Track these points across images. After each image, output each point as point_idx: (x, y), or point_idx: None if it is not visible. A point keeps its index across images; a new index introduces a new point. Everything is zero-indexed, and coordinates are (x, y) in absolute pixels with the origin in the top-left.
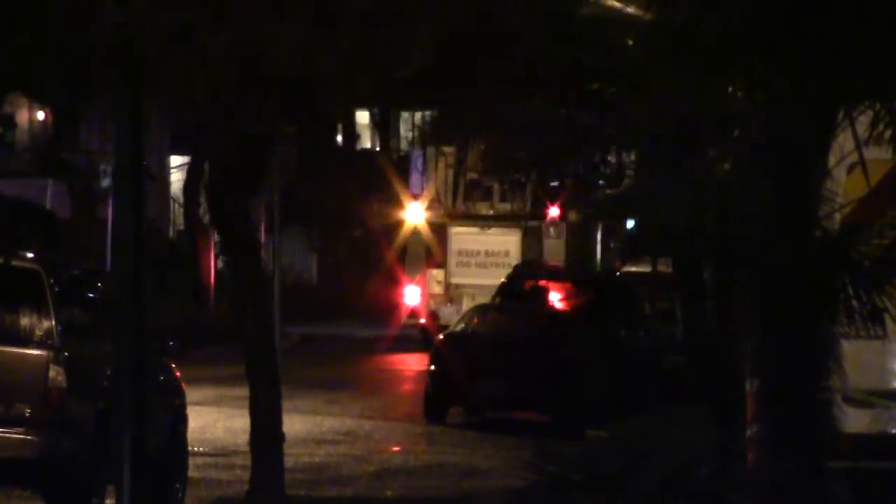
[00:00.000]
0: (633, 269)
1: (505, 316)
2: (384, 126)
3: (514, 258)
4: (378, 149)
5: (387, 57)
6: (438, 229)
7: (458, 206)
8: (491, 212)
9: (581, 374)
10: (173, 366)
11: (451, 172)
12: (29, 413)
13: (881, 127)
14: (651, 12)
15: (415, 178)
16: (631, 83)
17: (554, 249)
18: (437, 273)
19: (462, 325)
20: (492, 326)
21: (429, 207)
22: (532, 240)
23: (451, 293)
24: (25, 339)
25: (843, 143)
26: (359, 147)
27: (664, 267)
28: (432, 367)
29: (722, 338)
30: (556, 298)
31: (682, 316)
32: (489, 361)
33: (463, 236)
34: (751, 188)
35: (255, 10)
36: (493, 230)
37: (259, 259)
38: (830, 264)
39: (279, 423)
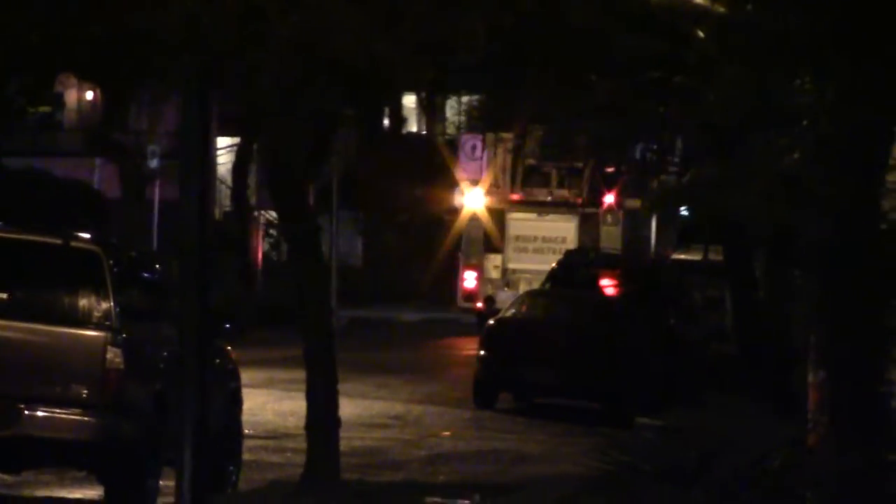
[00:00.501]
0: (684, 256)
1: (555, 302)
2: (432, 110)
3: (571, 244)
4: (425, 132)
5: (448, 43)
6: (497, 215)
7: (516, 192)
8: (549, 198)
9: (631, 362)
10: (229, 349)
11: (509, 158)
12: (86, 395)
13: None
14: (722, 5)
15: (463, 162)
16: (700, 73)
17: (610, 236)
18: (495, 258)
19: (513, 311)
20: (542, 312)
21: (488, 193)
22: (588, 226)
23: (508, 278)
24: (84, 321)
25: None
26: (405, 131)
27: (714, 255)
28: (482, 353)
29: (778, 328)
30: (606, 285)
31: (732, 305)
32: (539, 347)
33: (520, 222)
34: (817, 180)
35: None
36: (550, 216)
37: (319, 245)
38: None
39: (336, 407)
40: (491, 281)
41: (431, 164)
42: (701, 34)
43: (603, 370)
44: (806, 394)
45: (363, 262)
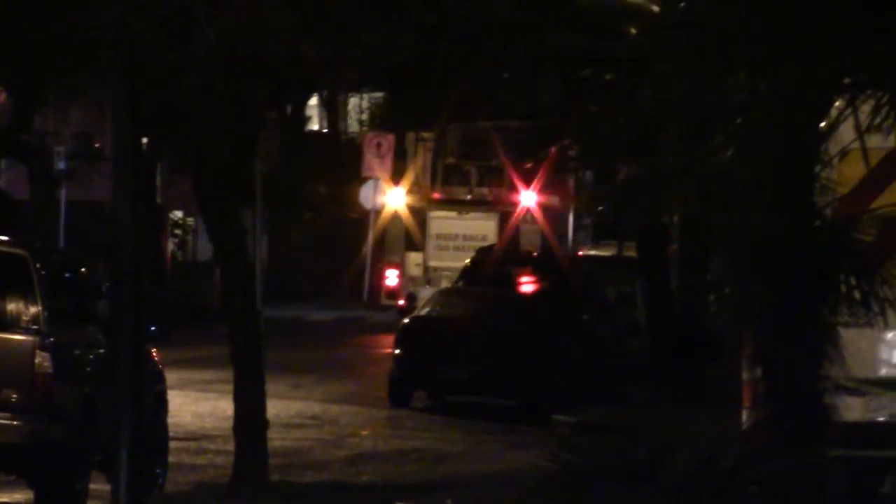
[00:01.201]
0: (595, 252)
1: (469, 300)
2: (335, 107)
3: (492, 242)
4: (327, 130)
5: (374, 44)
6: (418, 213)
7: (436, 191)
8: (469, 196)
9: (545, 358)
10: (154, 351)
11: (430, 157)
12: (15, 398)
13: (884, 115)
14: (656, 2)
15: (368, 160)
16: (633, 70)
17: (529, 234)
18: (416, 256)
19: (427, 310)
20: (456, 310)
21: (409, 192)
22: (508, 224)
23: (430, 276)
24: (12, 325)
25: (843, 132)
26: (307, 129)
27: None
28: (397, 352)
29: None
30: (519, 283)
31: (645, 300)
32: (453, 345)
33: (441, 220)
34: (751, 177)
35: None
36: (470, 215)
37: (246, 247)
38: (831, 252)
39: (264, 409)
40: (412, 278)
41: (335, 162)
42: (633, 31)
43: (517, 367)
44: (727, 388)
45: (269, 261)
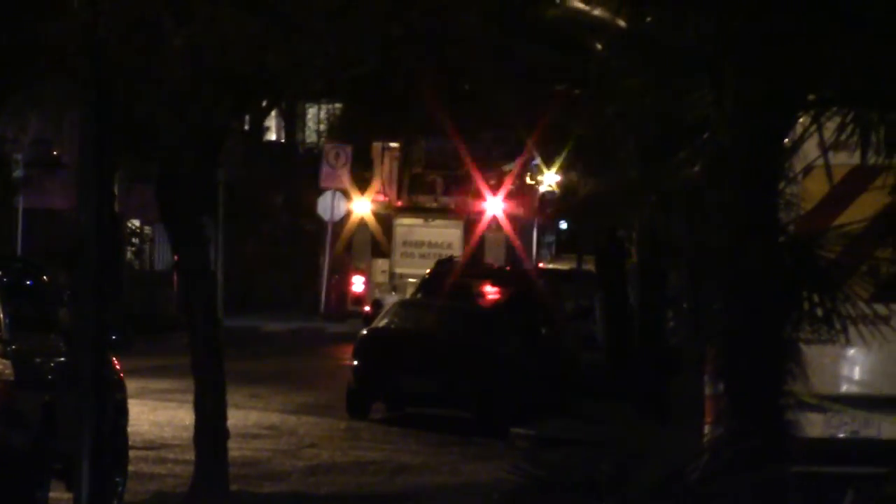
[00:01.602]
0: (553, 266)
1: (426, 312)
2: (291, 118)
3: (457, 250)
4: (284, 140)
5: (340, 54)
6: (384, 220)
7: (402, 199)
8: (434, 204)
9: (503, 371)
10: (114, 359)
11: (396, 165)
12: None
13: (849, 132)
14: (621, 17)
15: (326, 171)
16: (598, 85)
17: (494, 243)
18: (383, 263)
19: (385, 321)
20: (414, 322)
21: (374, 199)
22: (473, 232)
23: (395, 282)
24: None
25: (807, 148)
26: (265, 138)
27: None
28: (355, 363)
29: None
30: (477, 295)
31: (602, 313)
32: (411, 357)
33: (407, 228)
34: (718, 193)
35: (216, 9)
36: (436, 222)
37: (208, 257)
38: (794, 269)
39: (224, 419)
40: (378, 285)
41: (293, 172)
42: (599, 46)
43: (474, 379)
44: (684, 402)
45: (225, 271)
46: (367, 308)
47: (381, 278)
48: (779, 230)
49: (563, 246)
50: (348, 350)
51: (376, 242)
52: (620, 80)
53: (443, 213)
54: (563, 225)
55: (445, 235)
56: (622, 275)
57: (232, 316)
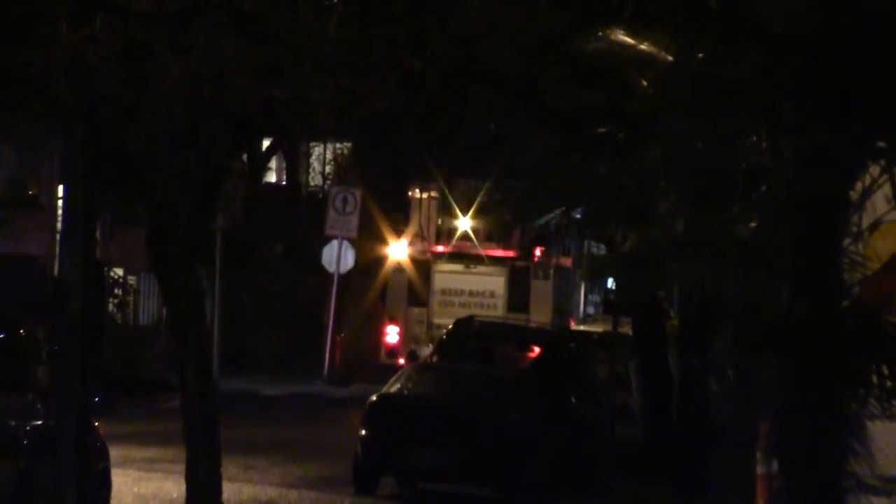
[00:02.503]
0: (584, 328)
1: (443, 377)
2: (293, 158)
3: (500, 299)
4: (286, 183)
5: (355, 90)
6: (422, 266)
7: (442, 243)
8: (477, 251)
9: (528, 444)
10: (97, 424)
11: (434, 208)
12: None
13: None
14: (670, 51)
15: (332, 217)
16: (644, 128)
17: (540, 292)
18: (419, 312)
19: (397, 386)
20: (430, 388)
21: (411, 243)
22: (518, 281)
23: (433, 333)
24: None
25: (875, 201)
26: (264, 181)
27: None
28: (363, 432)
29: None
30: (501, 358)
31: (638, 383)
32: (426, 427)
33: (447, 275)
34: (775, 251)
35: (217, 36)
36: (478, 269)
37: (204, 311)
38: (859, 336)
39: (219, 492)
40: (414, 337)
41: (295, 218)
42: (645, 83)
43: (494, 452)
44: (729, 483)
45: (217, 327)
46: (401, 361)
47: (418, 329)
48: (842, 293)
49: (610, 306)
50: (354, 418)
51: (413, 290)
52: (667, 121)
53: (486, 259)
54: (611, 283)
55: (488, 283)
56: (661, 339)
57: (225, 377)
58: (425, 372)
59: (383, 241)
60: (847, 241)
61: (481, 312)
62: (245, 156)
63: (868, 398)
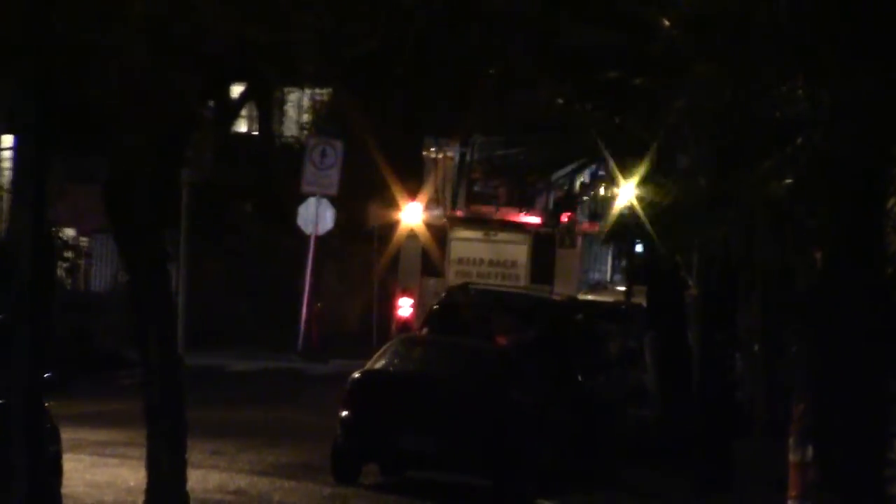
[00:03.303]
0: (592, 297)
1: (434, 352)
2: (266, 105)
3: (523, 268)
4: (257, 133)
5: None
6: (437, 233)
7: (459, 208)
8: (497, 216)
9: (529, 428)
10: (46, 404)
11: (451, 170)
12: None
13: None
14: None
15: (310, 171)
16: (666, 73)
17: (566, 261)
18: (435, 282)
19: (382, 362)
20: (420, 364)
21: (426, 208)
22: (542, 249)
23: None
24: None
25: None
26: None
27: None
28: (344, 414)
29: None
30: (501, 331)
31: (654, 358)
32: (413, 408)
33: (464, 242)
34: (812, 211)
35: None
36: (499, 236)
37: (169, 277)
38: None
39: (184, 480)
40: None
41: (267, 173)
42: (668, 24)
43: (490, 437)
44: (756, 471)
45: (184, 296)
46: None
47: (433, 301)
48: (886, 258)
49: (627, 272)
50: (334, 397)
51: (427, 258)
52: (692, 66)
53: (507, 225)
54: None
55: (509, 252)
56: (679, 310)
57: (191, 352)
58: (414, 346)
59: (395, 205)
60: (892, 201)
61: (502, 283)
62: (213, 102)
63: None
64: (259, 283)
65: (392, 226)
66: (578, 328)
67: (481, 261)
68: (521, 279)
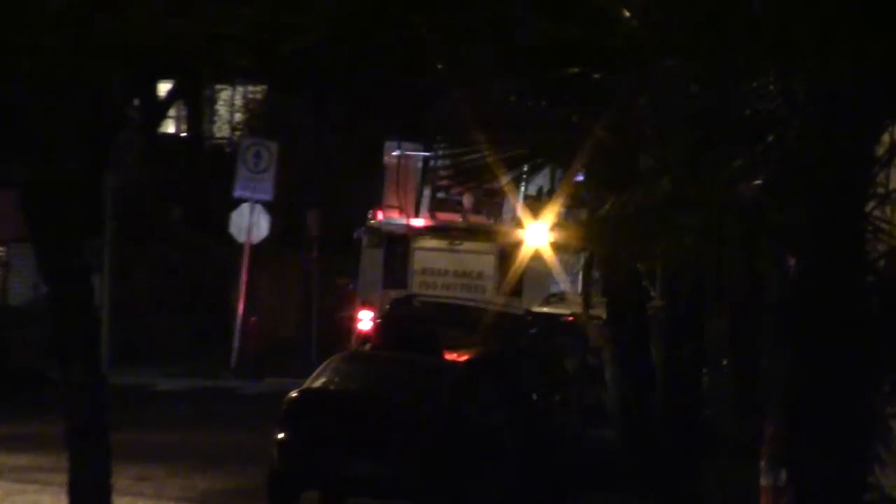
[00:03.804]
0: (548, 309)
1: (380, 368)
2: (195, 104)
3: (490, 280)
4: (186, 134)
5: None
6: (399, 242)
7: (422, 216)
8: (463, 224)
9: (480, 450)
10: None
11: (413, 173)
12: None
13: None
14: None
15: (243, 174)
16: (627, 67)
17: (537, 272)
18: (396, 295)
19: (322, 380)
20: (362, 382)
21: (387, 215)
22: (510, 260)
23: None
24: None
25: None
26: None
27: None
28: (281, 436)
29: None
30: (448, 347)
31: (614, 376)
32: (357, 430)
33: (428, 252)
34: (785, 215)
35: None
36: (464, 246)
37: (92, 289)
38: (885, 318)
39: None
40: None
41: (197, 176)
42: (628, 14)
43: (439, 460)
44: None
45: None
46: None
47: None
48: (865, 266)
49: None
50: (270, 418)
51: (390, 269)
52: (655, 60)
53: (473, 234)
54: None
55: (475, 262)
56: (642, 324)
57: (116, 370)
58: (356, 362)
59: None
60: (871, 204)
61: (467, 296)
62: (139, 101)
63: (893, 392)
64: (189, 295)
65: (342, 234)
66: (533, 343)
67: (446, 272)
68: (487, 291)
